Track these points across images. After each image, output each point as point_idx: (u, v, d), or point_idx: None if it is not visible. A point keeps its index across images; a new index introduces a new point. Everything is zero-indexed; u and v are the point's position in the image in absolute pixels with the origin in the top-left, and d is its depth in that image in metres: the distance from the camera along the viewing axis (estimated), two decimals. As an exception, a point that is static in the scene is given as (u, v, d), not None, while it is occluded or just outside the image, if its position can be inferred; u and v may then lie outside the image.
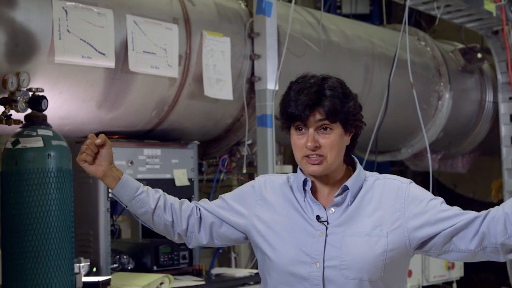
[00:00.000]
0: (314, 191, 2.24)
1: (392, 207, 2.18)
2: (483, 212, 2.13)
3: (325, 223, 2.18)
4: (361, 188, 2.22)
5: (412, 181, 2.25)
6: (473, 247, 2.12)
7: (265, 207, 2.29)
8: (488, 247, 2.10)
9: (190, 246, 2.43)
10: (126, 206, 2.32)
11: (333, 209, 2.20)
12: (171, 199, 2.36)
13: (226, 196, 2.39)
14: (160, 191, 2.35)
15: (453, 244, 2.15)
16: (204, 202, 2.41)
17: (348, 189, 2.20)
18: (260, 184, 2.34)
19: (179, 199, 2.38)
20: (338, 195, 2.20)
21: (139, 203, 2.30)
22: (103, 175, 2.27)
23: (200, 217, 2.36)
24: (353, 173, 2.23)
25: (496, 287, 6.21)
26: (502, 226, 2.06)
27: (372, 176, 2.26)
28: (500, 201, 5.98)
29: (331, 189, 2.22)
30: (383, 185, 2.22)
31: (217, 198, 2.45)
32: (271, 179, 2.36)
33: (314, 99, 2.14)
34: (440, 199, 2.20)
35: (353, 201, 2.20)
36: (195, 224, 2.35)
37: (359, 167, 2.25)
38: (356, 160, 2.28)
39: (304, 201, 2.23)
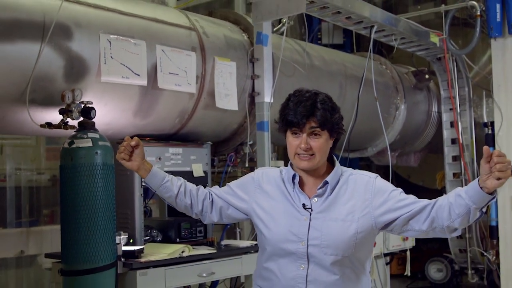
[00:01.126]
0: (301, 184, 2.22)
1: (362, 198, 2.17)
2: (433, 200, 2.12)
3: (310, 210, 2.17)
4: (338, 182, 2.21)
5: (378, 175, 2.24)
6: (425, 228, 2.11)
7: (262, 194, 2.28)
8: (437, 228, 2.10)
9: (204, 222, 2.43)
10: (155, 191, 2.33)
11: (316, 199, 2.19)
12: (190, 185, 2.35)
13: (232, 184, 2.38)
14: (182, 179, 2.35)
15: (410, 225, 2.14)
16: (216, 188, 2.40)
17: (328, 183, 2.19)
18: (258, 176, 2.33)
19: (196, 186, 2.39)
20: (320, 188, 2.19)
21: (165, 190, 2.30)
22: (137, 168, 2.28)
23: (212, 201, 2.35)
24: (332, 169, 2.22)
25: (439, 253, 6.21)
26: (447, 213, 2.05)
27: (347, 171, 2.25)
28: (443, 188, 5.99)
29: (315, 182, 2.21)
30: (355, 180, 2.21)
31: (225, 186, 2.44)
32: (267, 172, 2.33)
33: (309, 110, 2.13)
34: (400, 190, 2.19)
35: (331, 192, 2.18)
36: (208, 206, 2.35)
37: (337, 165, 2.24)
38: (335, 158, 2.27)
39: (293, 191, 2.22)
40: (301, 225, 2.16)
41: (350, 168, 2.29)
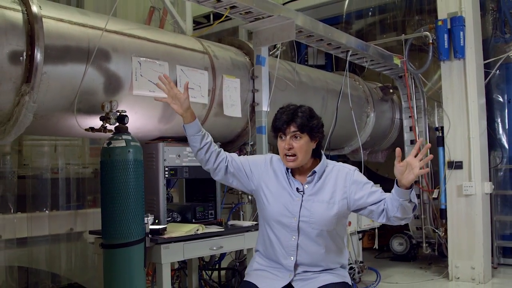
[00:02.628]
0: (294, 174, 2.24)
1: (342, 185, 2.19)
2: (387, 195, 2.13)
3: (302, 193, 2.19)
4: (324, 171, 2.22)
5: (357, 168, 2.26)
6: (382, 218, 2.14)
7: (269, 174, 2.26)
8: (391, 217, 2.11)
9: (214, 178, 2.34)
10: (186, 136, 2.26)
11: (306, 186, 2.20)
12: (214, 147, 2.28)
13: (250, 158, 2.33)
14: (210, 138, 2.28)
15: (373, 214, 2.16)
16: (235, 155, 2.34)
17: (316, 172, 2.20)
18: (270, 159, 2.30)
19: (219, 148, 2.32)
20: (310, 176, 2.20)
21: (194, 140, 2.25)
22: (181, 114, 2.23)
23: (227, 166, 2.29)
24: (319, 162, 2.24)
25: (401, 231, 6.22)
26: (391, 206, 2.08)
27: (332, 163, 2.27)
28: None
29: (305, 172, 2.23)
30: (338, 170, 2.22)
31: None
32: (276, 158, 2.30)
33: (290, 117, 2.15)
34: (371, 183, 2.21)
35: (319, 180, 2.20)
36: (222, 168, 2.28)
37: (323, 158, 2.25)
38: (323, 154, 2.28)
39: (289, 179, 2.23)
40: (295, 204, 2.17)
41: (334, 161, 2.31)
